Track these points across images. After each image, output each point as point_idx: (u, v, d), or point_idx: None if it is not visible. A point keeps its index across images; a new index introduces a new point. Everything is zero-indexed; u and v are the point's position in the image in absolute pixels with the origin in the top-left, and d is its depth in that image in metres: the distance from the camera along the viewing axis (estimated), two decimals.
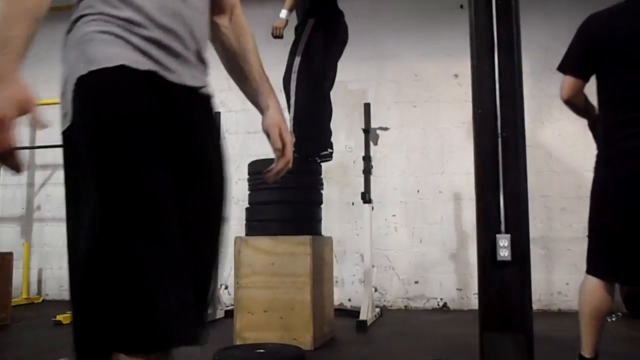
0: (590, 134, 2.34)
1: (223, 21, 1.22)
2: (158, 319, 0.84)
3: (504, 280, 2.19)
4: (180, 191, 0.96)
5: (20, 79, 0.83)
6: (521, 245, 2.21)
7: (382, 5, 5.13)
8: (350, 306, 4.70)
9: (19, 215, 5.63)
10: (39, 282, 5.49)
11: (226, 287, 4.44)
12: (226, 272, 4.43)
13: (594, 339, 2.13)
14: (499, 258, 2.18)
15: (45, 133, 5.54)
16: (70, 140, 0.96)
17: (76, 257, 0.92)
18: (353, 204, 4.74)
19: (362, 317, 3.69)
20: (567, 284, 4.28)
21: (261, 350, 2.75)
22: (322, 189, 3.53)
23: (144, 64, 0.94)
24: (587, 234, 2.25)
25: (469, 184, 2.63)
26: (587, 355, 2.15)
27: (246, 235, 3.28)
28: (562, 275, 4.39)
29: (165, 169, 0.92)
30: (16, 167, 0.88)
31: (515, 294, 2.19)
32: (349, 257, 4.87)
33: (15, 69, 0.82)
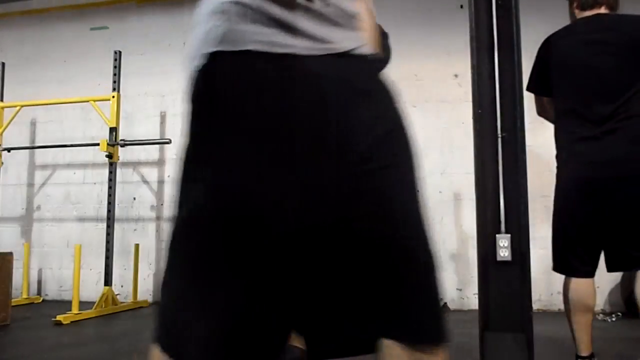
0: None
1: None
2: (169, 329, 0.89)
3: (504, 280, 2.19)
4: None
5: None
6: (521, 245, 2.21)
7: (382, 5, 5.12)
8: None
9: (19, 215, 5.63)
10: (39, 282, 5.49)
11: None
12: None
13: (586, 335, 2.17)
14: (499, 258, 2.18)
15: (45, 133, 5.55)
16: None
17: None
18: None
19: None
20: None
21: None
22: None
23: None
24: None
25: (469, 184, 2.63)
26: (583, 354, 2.16)
27: None
28: (562, 276, 4.37)
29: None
30: None
31: (515, 294, 2.19)
32: None
33: None
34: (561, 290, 2.33)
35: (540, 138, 4.67)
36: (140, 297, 4.96)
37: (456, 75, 4.87)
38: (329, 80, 0.77)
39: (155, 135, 5.31)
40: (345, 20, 0.82)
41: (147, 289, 5.20)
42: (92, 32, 5.66)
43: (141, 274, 5.04)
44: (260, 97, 0.77)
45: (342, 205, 0.77)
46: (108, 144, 4.52)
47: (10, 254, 4.07)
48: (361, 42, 0.83)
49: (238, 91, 0.78)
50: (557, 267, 2.32)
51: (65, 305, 4.37)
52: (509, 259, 2.19)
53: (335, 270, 0.79)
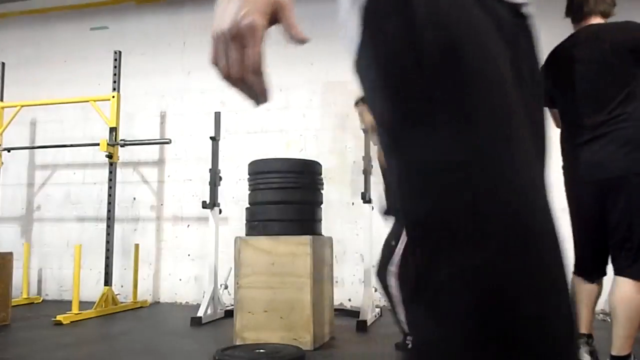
0: None
1: None
2: None
3: None
4: None
5: None
6: None
7: None
8: (350, 306, 4.70)
9: (19, 215, 5.63)
10: (39, 282, 5.49)
11: (226, 287, 4.44)
12: (226, 272, 4.44)
13: (587, 310, 2.31)
14: None
15: (45, 133, 5.55)
16: None
17: None
18: (353, 204, 4.74)
19: (362, 317, 3.69)
20: None
21: (261, 350, 2.75)
22: (322, 189, 3.53)
23: None
24: None
25: None
26: (582, 331, 2.27)
27: (246, 235, 3.28)
28: None
29: None
30: (263, 93, 0.68)
31: None
32: (349, 257, 4.87)
33: None
34: None
35: None
36: (140, 297, 4.96)
37: None
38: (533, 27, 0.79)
39: (155, 135, 5.31)
40: None
41: (147, 289, 5.20)
42: (92, 32, 5.66)
43: (141, 274, 5.04)
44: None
45: None
46: (108, 144, 4.52)
47: (10, 254, 4.07)
48: None
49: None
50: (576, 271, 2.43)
51: (65, 305, 4.37)
52: None
53: None
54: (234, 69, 0.64)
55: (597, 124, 2.21)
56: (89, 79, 5.42)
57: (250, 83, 0.66)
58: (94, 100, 4.71)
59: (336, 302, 4.06)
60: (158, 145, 5.30)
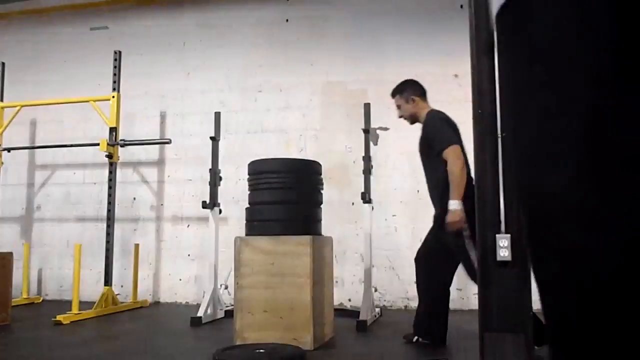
0: None
1: None
2: None
3: (504, 280, 2.19)
4: None
5: None
6: (521, 245, 2.20)
7: (382, 5, 5.13)
8: (350, 306, 4.70)
9: (19, 215, 5.63)
10: (39, 282, 5.49)
11: (226, 287, 4.44)
12: (226, 272, 4.44)
13: None
14: (499, 258, 2.18)
15: (45, 133, 5.55)
16: None
17: None
18: (353, 204, 4.74)
19: (362, 317, 3.69)
20: None
21: (261, 350, 2.75)
22: (322, 189, 3.53)
23: None
24: None
25: None
26: None
27: (246, 235, 3.28)
28: None
29: None
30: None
31: (515, 294, 2.19)
32: (349, 257, 4.87)
33: None
34: None
35: None
36: (140, 297, 4.96)
37: (456, 76, 4.87)
38: None
39: (155, 135, 5.31)
40: None
41: (147, 289, 5.20)
42: (92, 32, 5.66)
43: (141, 274, 5.04)
44: None
45: None
46: (108, 144, 4.52)
47: (10, 254, 4.07)
48: None
49: None
50: None
51: (65, 305, 4.37)
52: (509, 259, 2.18)
53: None
54: None
55: None
56: (89, 79, 5.42)
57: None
58: (94, 100, 4.71)
59: (336, 302, 4.06)
60: (158, 145, 5.30)
